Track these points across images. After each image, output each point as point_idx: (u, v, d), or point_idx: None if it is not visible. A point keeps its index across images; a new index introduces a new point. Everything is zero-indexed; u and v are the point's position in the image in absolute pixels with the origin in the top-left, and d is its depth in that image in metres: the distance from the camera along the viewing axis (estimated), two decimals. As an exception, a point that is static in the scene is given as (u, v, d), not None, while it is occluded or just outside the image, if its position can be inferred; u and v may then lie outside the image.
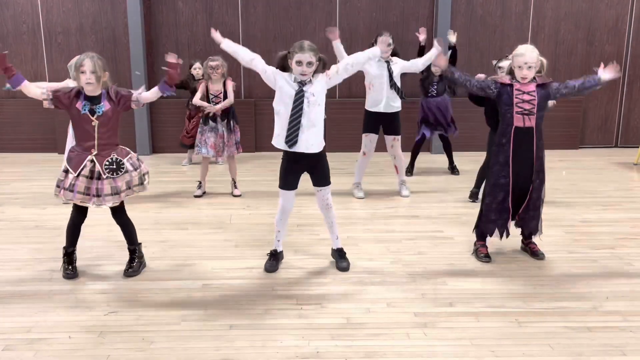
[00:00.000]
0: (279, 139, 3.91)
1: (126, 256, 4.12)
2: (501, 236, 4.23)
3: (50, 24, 8.38)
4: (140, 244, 4.13)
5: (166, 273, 4.07)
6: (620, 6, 8.51)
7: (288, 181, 3.99)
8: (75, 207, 3.90)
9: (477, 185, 5.76)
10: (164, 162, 7.96)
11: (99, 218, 4.68)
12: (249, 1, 8.44)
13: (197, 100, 5.99)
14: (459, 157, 7.35)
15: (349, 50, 8.04)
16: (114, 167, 3.78)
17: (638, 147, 7.83)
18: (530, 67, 3.98)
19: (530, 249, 4.35)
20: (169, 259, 4.32)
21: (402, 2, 8.49)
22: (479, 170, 5.79)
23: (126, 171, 3.82)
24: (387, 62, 5.75)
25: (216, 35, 4.13)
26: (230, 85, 6.01)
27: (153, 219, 5.34)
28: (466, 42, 8.53)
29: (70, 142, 5.11)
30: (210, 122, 5.96)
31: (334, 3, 8.47)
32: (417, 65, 5.82)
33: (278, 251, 4.15)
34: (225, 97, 5.98)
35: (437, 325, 3.30)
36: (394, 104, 5.81)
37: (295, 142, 3.81)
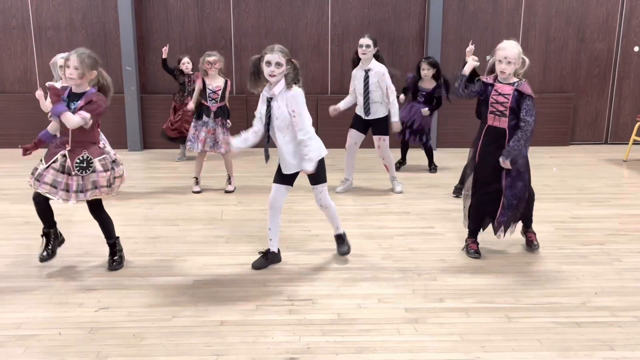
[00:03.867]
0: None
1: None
2: (478, 230, 4.28)
3: (40, 18, 8.32)
4: (118, 237, 4.12)
5: (157, 269, 4.06)
6: (610, 3, 8.55)
7: (278, 174, 4.01)
8: (35, 193, 3.86)
9: (462, 182, 5.79)
10: (155, 157, 7.93)
11: (88, 214, 4.66)
12: (241, -4, 8.41)
13: (191, 105, 6.00)
14: (449, 154, 7.38)
15: (342, 47, 8.04)
16: (84, 165, 3.76)
17: (628, 143, 7.88)
18: (509, 62, 3.93)
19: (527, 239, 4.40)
20: (160, 255, 4.31)
21: (394, -1, 8.49)
22: (465, 167, 5.80)
23: (94, 171, 3.77)
24: (366, 70, 5.71)
25: (229, 143, 4.08)
26: (229, 86, 6.05)
27: (144, 215, 5.33)
28: (457, 39, 8.55)
29: None
30: (204, 117, 5.94)
31: (325, -1, 8.46)
32: (388, 101, 5.79)
33: (270, 251, 4.13)
34: (223, 93, 5.97)
35: (427, 321, 3.32)
36: (377, 111, 5.82)
37: (267, 158, 3.98)
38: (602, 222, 5.09)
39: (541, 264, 4.16)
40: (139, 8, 8.32)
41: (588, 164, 7.60)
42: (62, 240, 4.17)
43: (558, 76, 8.76)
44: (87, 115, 3.69)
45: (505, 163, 4.01)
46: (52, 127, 3.79)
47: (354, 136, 5.97)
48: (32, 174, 3.81)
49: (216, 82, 5.95)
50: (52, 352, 2.99)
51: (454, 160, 7.40)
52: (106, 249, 4.13)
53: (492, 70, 4.16)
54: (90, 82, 3.77)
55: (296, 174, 4.00)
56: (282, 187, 4.00)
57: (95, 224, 4.55)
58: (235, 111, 8.31)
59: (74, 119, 3.64)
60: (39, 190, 3.78)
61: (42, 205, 3.91)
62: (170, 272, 4.01)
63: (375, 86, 5.71)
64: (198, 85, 5.97)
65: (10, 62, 8.42)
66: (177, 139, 7.52)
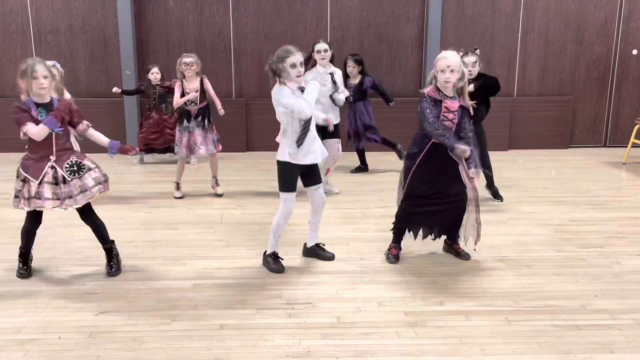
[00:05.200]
0: (288, 152, 3.93)
1: (116, 256, 4.12)
2: (424, 235, 4.30)
3: (39, 23, 8.33)
4: (113, 241, 4.11)
5: (157, 273, 4.06)
6: (609, 7, 8.57)
7: (292, 183, 4.00)
8: (31, 213, 3.85)
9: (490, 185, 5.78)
10: (155, 161, 7.93)
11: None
12: (240, 1, 8.43)
13: (179, 101, 5.85)
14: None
15: (340, 50, 8.07)
16: (75, 168, 3.77)
17: (626, 146, 7.89)
18: (452, 70, 3.85)
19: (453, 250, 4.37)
20: (160, 259, 4.31)
21: (393, 2, 8.51)
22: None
23: (89, 169, 3.81)
24: (331, 74, 5.79)
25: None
26: (208, 83, 5.96)
27: (143, 219, 5.33)
28: (456, 42, 8.54)
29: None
30: (185, 122, 5.89)
31: (325, 2, 8.48)
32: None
33: (276, 252, 4.16)
34: (202, 94, 5.90)
35: (427, 324, 3.32)
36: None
37: (302, 144, 3.92)
38: (601, 225, 5.09)
39: (540, 266, 4.16)
40: (138, 12, 8.34)
41: (587, 166, 7.61)
42: (31, 259, 4.14)
43: (557, 79, 8.78)
44: (86, 122, 3.77)
45: (477, 174, 4.01)
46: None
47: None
48: (17, 196, 3.75)
49: (194, 84, 5.87)
50: (51, 356, 2.99)
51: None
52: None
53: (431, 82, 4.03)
54: (58, 91, 3.82)
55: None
56: (295, 194, 4.04)
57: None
58: (236, 115, 8.35)
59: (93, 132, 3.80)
60: (44, 208, 3.75)
61: (32, 229, 3.93)
62: (169, 276, 4.01)
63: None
64: (178, 88, 5.84)
65: (10, 66, 8.42)
66: (168, 148, 7.62)
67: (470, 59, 5.27)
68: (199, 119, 5.90)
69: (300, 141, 3.89)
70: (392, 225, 4.33)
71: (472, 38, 8.59)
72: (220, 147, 6.08)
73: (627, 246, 4.58)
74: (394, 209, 5.59)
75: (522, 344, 3.11)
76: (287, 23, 8.51)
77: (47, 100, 3.73)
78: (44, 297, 3.67)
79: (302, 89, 3.90)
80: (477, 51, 5.54)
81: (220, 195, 6.05)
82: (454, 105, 3.94)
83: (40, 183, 3.70)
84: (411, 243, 4.63)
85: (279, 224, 4.08)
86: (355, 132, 6.91)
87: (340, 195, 6.07)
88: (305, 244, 4.38)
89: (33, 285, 3.84)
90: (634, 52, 8.71)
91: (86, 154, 3.96)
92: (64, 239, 4.67)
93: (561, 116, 8.73)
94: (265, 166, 7.38)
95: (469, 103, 4.02)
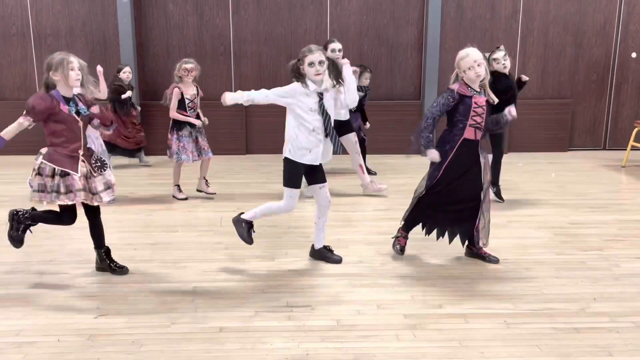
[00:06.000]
0: (297, 153, 3.95)
1: (116, 259, 4.11)
2: (437, 236, 4.33)
3: (39, 26, 8.35)
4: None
5: (156, 275, 4.06)
6: (608, 10, 8.59)
7: (298, 180, 4.03)
8: (68, 210, 3.82)
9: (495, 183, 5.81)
10: (154, 163, 7.93)
11: (87, 220, 4.66)
12: (240, 3, 8.45)
13: (175, 114, 5.80)
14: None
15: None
16: (99, 164, 3.83)
17: (626, 149, 7.89)
18: (479, 64, 3.92)
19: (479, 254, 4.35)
20: (159, 262, 4.31)
21: (392, 5, 8.52)
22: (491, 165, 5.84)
23: (108, 167, 3.90)
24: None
25: (225, 97, 3.97)
26: (200, 92, 6.00)
27: (143, 222, 5.33)
28: (456, 45, 8.57)
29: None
30: (188, 128, 5.85)
31: (324, 5, 8.50)
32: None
33: (253, 223, 4.22)
34: (199, 99, 5.95)
35: (426, 327, 3.32)
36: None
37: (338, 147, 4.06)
38: (601, 228, 5.10)
39: (540, 269, 4.17)
40: (138, 15, 8.35)
41: (586, 169, 7.62)
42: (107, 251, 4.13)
43: (556, 82, 8.79)
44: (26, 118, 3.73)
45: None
46: (11, 133, 3.73)
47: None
48: (42, 190, 3.71)
49: (192, 91, 5.88)
50: (51, 359, 2.99)
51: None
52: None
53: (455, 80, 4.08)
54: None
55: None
56: (299, 191, 4.07)
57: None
58: (236, 117, 8.36)
59: (16, 128, 3.75)
60: (76, 201, 3.72)
61: (71, 221, 3.88)
62: (169, 279, 4.01)
63: None
64: (176, 95, 5.79)
65: (10, 69, 8.44)
66: (138, 149, 7.66)
67: (500, 53, 5.55)
68: (198, 126, 5.92)
69: (335, 146, 4.03)
70: (405, 214, 4.35)
71: (472, 41, 8.53)
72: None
73: (626, 249, 4.58)
74: (393, 212, 5.61)
75: (522, 347, 3.11)
76: (286, 26, 8.52)
77: (71, 95, 3.75)
78: (44, 299, 3.67)
79: (320, 95, 3.91)
80: (502, 47, 5.74)
81: (213, 193, 6.05)
82: (482, 100, 4.01)
83: (80, 176, 3.72)
84: (412, 244, 4.63)
85: (273, 212, 4.15)
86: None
87: (340, 197, 6.07)
88: (312, 246, 4.35)
89: (32, 288, 3.84)
90: (633, 55, 8.73)
91: None
92: (63, 241, 4.67)
93: (560, 119, 8.75)
94: (264, 169, 7.39)
95: (493, 97, 4.06)
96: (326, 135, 3.98)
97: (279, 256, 4.37)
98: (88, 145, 3.88)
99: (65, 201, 3.71)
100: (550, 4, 8.56)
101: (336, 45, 5.86)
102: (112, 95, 7.35)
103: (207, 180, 6.14)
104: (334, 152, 4.17)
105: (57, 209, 3.87)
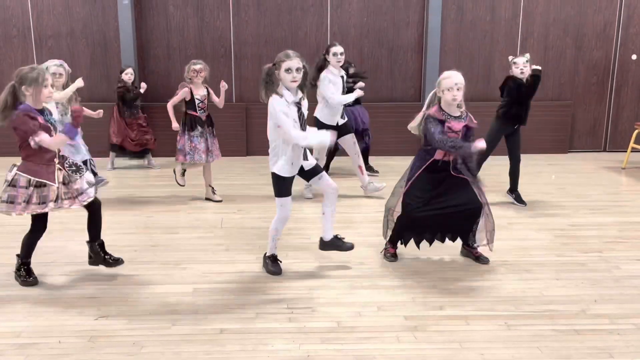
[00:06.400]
0: (286, 168, 3.90)
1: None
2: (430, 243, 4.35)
3: (40, 27, 8.35)
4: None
5: (157, 277, 4.06)
6: (608, 12, 8.60)
7: (287, 189, 4.00)
8: (39, 220, 3.85)
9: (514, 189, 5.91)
10: (156, 165, 7.93)
11: (87, 221, 4.66)
12: (240, 6, 8.46)
13: (170, 107, 5.81)
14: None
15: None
16: (74, 168, 3.84)
17: (626, 151, 7.89)
18: (459, 88, 3.95)
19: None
20: (160, 263, 4.31)
21: (392, 8, 8.53)
22: (510, 172, 5.89)
23: (84, 169, 3.93)
24: (342, 76, 5.97)
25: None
26: (211, 91, 5.96)
27: (144, 223, 5.33)
28: (456, 48, 8.60)
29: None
30: (199, 128, 5.85)
31: (325, 8, 8.50)
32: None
33: (275, 254, 4.18)
34: (209, 100, 5.92)
35: (427, 329, 3.32)
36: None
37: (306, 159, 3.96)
38: (601, 230, 5.10)
39: (540, 271, 4.17)
40: (139, 17, 8.36)
41: (587, 171, 7.62)
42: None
43: (556, 84, 8.80)
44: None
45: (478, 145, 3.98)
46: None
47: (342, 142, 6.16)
48: (12, 202, 3.69)
49: (202, 92, 5.87)
50: (51, 360, 2.99)
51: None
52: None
53: (431, 103, 4.12)
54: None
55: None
56: (291, 199, 4.04)
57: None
58: (236, 119, 8.37)
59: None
60: (61, 208, 3.75)
61: (41, 234, 3.92)
62: (169, 280, 4.01)
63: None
64: (182, 94, 5.79)
65: (11, 71, 8.37)
66: (142, 152, 7.67)
67: (522, 59, 5.54)
68: (207, 125, 5.90)
69: (304, 154, 3.93)
70: (384, 231, 4.42)
71: (472, 43, 8.62)
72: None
73: (626, 251, 4.58)
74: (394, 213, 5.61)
75: (522, 348, 3.11)
76: (287, 28, 8.54)
77: (41, 107, 3.75)
78: (44, 301, 3.67)
79: (298, 105, 3.84)
80: (528, 54, 5.73)
81: (220, 201, 6.05)
82: (458, 125, 4.00)
83: (58, 185, 3.74)
84: (412, 246, 4.63)
85: (277, 229, 4.09)
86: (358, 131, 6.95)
87: (341, 199, 6.05)
88: (321, 238, 4.28)
89: (32, 290, 3.84)
90: (633, 57, 8.73)
91: None
92: (63, 243, 4.67)
93: (561, 121, 8.75)
94: (265, 171, 7.33)
95: (475, 123, 4.07)
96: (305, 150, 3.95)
97: (279, 258, 4.36)
98: (62, 153, 3.89)
99: (37, 210, 3.71)
100: (551, 6, 8.57)
101: (338, 49, 5.86)
102: (117, 99, 7.44)
103: (213, 188, 6.11)
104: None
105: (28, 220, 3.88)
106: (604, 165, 7.98)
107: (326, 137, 3.83)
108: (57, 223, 4.90)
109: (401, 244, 4.37)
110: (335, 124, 5.95)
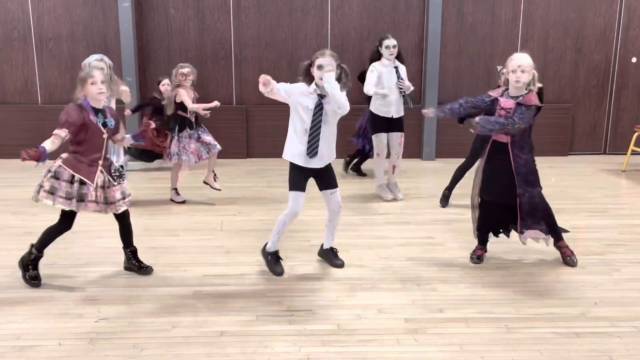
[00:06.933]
0: (295, 156, 3.95)
1: (116, 263, 4.13)
2: (487, 239, 4.39)
3: (41, 30, 8.36)
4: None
5: (157, 279, 4.06)
6: (608, 15, 8.61)
7: (300, 183, 4.01)
8: (68, 215, 3.87)
9: (450, 188, 5.89)
10: (155, 167, 7.94)
11: (88, 224, 4.68)
12: (241, 8, 8.47)
13: (193, 106, 5.84)
14: (449, 164, 7.40)
15: (340, 58, 8.06)
16: (117, 174, 3.94)
17: (626, 153, 7.90)
18: (523, 70, 3.99)
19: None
20: (160, 266, 4.31)
21: (393, 10, 8.54)
22: (456, 170, 5.90)
23: (125, 177, 3.97)
24: (395, 67, 5.94)
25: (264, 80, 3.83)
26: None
27: (144, 225, 5.33)
28: (456, 50, 8.60)
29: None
30: (188, 129, 5.88)
31: (325, 10, 8.51)
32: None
33: (278, 252, 4.20)
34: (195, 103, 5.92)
35: (427, 331, 3.32)
36: (400, 107, 6.02)
37: (316, 154, 3.91)
38: (601, 233, 5.10)
39: (541, 274, 4.17)
40: (139, 19, 8.37)
41: (587, 174, 7.62)
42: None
43: (556, 87, 8.80)
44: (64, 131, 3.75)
45: (471, 124, 4.11)
46: (51, 145, 3.67)
47: (384, 139, 6.07)
48: (52, 192, 3.74)
49: (191, 94, 5.91)
50: (52, 362, 2.99)
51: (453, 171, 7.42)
52: (106, 260, 4.18)
53: (506, 84, 4.20)
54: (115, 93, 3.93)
55: (307, 180, 4.06)
56: (303, 195, 4.03)
57: (94, 234, 4.57)
58: (236, 121, 8.37)
59: (56, 144, 3.71)
60: (86, 211, 3.81)
61: (66, 229, 3.93)
62: (170, 283, 4.01)
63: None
64: (189, 95, 5.83)
65: (12, 73, 8.46)
66: (155, 155, 7.66)
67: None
68: (196, 125, 5.95)
69: (311, 149, 3.90)
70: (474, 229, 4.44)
71: (472, 46, 8.63)
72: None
73: (626, 253, 4.58)
74: (394, 216, 5.62)
75: (522, 351, 3.11)
76: (287, 31, 8.54)
77: (101, 106, 3.83)
78: (44, 303, 3.67)
79: (321, 97, 3.88)
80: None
81: (218, 190, 6.05)
82: (509, 103, 4.04)
83: (96, 187, 3.79)
84: (412, 248, 4.64)
85: (284, 222, 4.09)
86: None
87: (345, 202, 6.06)
88: (322, 245, 4.37)
89: (33, 292, 3.84)
90: (633, 59, 8.74)
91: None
92: (64, 245, 4.65)
93: (561, 123, 8.75)
94: (265, 173, 7.39)
95: (531, 102, 4.03)
96: (309, 136, 3.90)
97: (280, 254, 4.37)
98: (108, 156, 3.94)
99: (73, 208, 3.75)
100: (551, 8, 8.58)
101: (390, 42, 5.87)
102: (153, 110, 7.33)
103: (215, 175, 6.14)
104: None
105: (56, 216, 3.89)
106: (604, 167, 7.98)
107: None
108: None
109: (491, 235, 4.38)
110: (389, 117, 5.96)
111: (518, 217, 4.19)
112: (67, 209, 3.76)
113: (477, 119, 4.05)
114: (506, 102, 4.06)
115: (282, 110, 4.08)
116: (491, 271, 4.22)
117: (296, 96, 3.91)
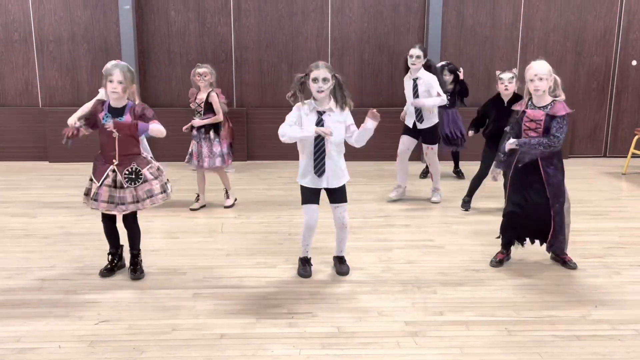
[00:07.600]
0: (304, 179, 3.99)
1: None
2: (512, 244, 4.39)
3: (42, 32, 8.37)
4: (140, 250, 4.18)
5: (157, 282, 4.06)
6: (608, 18, 8.62)
7: (311, 196, 4.03)
8: (103, 214, 4.00)
9: (470, 194, 5.85)
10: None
11: (89, 227, 4.68)
12: (241, 11, 8.48)
13: (197, 122, 5.77)
14: (449, 166, 7.41)
15: (340, 61, 8.10)
16: (133, 176, 3.87)
17: (626, 156, 7.90)
18: (541, 78, 3.99)
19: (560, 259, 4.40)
20: (160, 268, 4.31)
21: (393, 13, 8.55)
22: (472, 180, 5.86)
23: (145, 180, 3.91)
24: (414, 79, 5.89)
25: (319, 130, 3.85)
26: (214, 97, 5.77)
27: (144, 228, 5.27)
28: (457, 53, 8.61)
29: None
30: (194, 131, 5.81)
31: (325, 13, 8.52)
32: (433, 100, 5.90)
33: (308, 257, 4.22)
34: (206, 107, 5.75)
35: (427, 334, 3.32)
36: (427, 120, 5.97)
37: (324, 172, 3.94)
38: (601, 235, 5.10)
39: (541, 277, 4.16)
40: (140, 22, 8.38)
41: (587, 177, 7.62)
42: (122, 265, 4.23)
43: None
44: (159, 124, 3.87)
45: (510, 144, 4.12)
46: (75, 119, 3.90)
47: (406, 142, 6.08)
48: (86, 194, 3.93)
49: (200, 96, 5.79)
50: (51, 365, 2.99)
51: (452, 173, 7.43)
52: (106, 262, 4.15)
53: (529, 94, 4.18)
54: (131, 95, 3.90)
55: (320, 192, 4.07)
56: (315, 207, 4.04)
57: (95, 237, 4.56)
58: (237, 124, 8.33)
59: (161, 129, 3.85)
60: (99, 210, 3.91)
61: (108, 225, 4.05)
62: (170, 285, 4.01)
63: (425, 95, 5.85)
64: (216, 99, 5.75)
65: (12, 75, 8.46)
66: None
67: (507, 75, 5.47)
68: (202, 130, 5.78)
69: (317, 168, 3.93)
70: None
71: (472, 49, 8.64)
72: (229, 161, 6.00)
73: (627, 256, 4.58)
74: (394, 219, 5.62)
75: (523, 354, 3.11)
76: (288, 34, 8.55)
77: (121, 105, 3.85)
78: (44, 305, 3.67)
79: (320, 113, 3.88)
80: (515, 70, 5.66)
81: (229, 207, 5.96)
82: (538, 114, 4.04)
83: (100, 185, 3.84)
84: (413, 251, 4.64)
85: (303, 235, 4.14)
86: (447, 136, 6.98)
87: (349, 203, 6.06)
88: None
89: (33, 294, 3.84)
90: (634, 63, 8.75)
91: (154, 162, 4.05)
92: (64, 247, 4.67)
93: (561, 126, 8.75)
94: (265, 175, 7.39)
95: (562, 110, 4.04)
96: (314, 154, 3.91)
97: (279, 263, 4.37)
98: (144, 155, 3.97)
99: (90, 205, 3.90)
100: (551, 12, 8.59)
101: (414, 52, 5.77)
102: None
103: (227, 192, 6.03)
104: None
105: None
106: (604, 170, 7.98)
107: (309, 133, 3.85)
108: (58, 227, 4.91)
109: (514, 242, 4.37)
110: (410, 125, 5.99)
111: (551, 229, 4.16)
112: (88, 207, 3.94)
113: (513, 144, 4.08)
114: (534, 113, 4.04)
115: (282, 113, 4.08)
116: (491, 274, 4.21)
117: (301, 118, 3.91)
